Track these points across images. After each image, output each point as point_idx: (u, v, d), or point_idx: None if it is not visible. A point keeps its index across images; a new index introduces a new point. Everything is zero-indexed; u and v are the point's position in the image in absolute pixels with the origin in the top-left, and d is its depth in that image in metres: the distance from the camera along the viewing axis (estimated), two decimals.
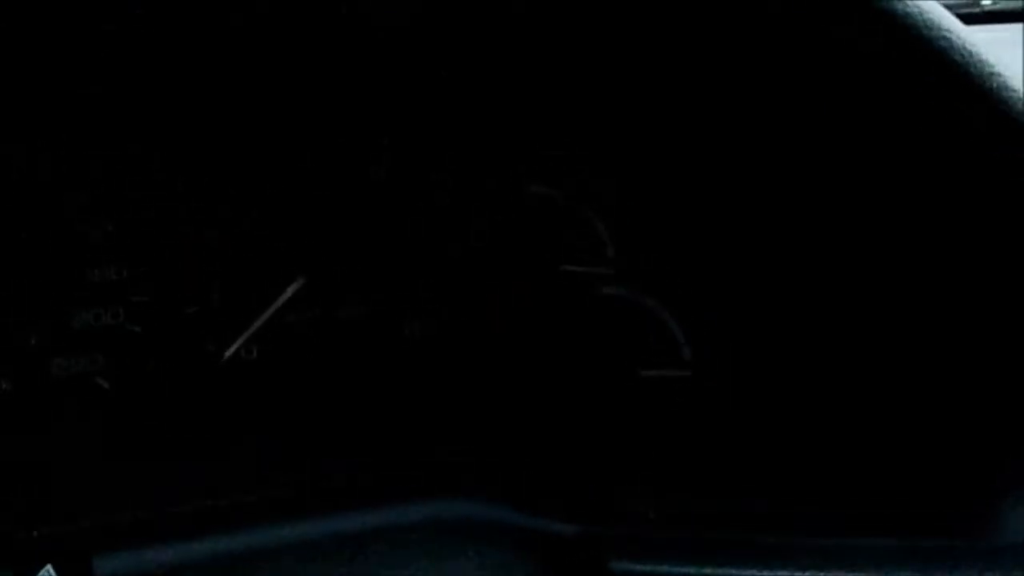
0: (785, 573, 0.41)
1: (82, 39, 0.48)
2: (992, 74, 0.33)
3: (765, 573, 0.41)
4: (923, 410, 0.44)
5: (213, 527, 0.45)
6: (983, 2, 1.08)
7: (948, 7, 0.36)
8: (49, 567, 0.38)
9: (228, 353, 0.54)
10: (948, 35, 0.32)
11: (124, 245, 0.54)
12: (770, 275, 0.52)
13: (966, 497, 0.42)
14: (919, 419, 0.44)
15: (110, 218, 0.54)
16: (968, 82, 0.32)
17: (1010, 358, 0.39)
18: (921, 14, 0.32)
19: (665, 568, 0.43)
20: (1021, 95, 0.34)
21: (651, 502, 0.49)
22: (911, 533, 0.42)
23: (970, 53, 0.33)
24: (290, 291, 0.56)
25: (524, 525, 0.49)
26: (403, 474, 0.51)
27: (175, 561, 0.42)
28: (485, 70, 0.55)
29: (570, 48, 0.51)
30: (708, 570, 0.42)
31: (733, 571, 0.42)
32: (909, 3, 0.32)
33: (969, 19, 0.36)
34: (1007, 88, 0.34)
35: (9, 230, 0.52)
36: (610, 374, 0.61)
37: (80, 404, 0.52)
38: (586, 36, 0.48)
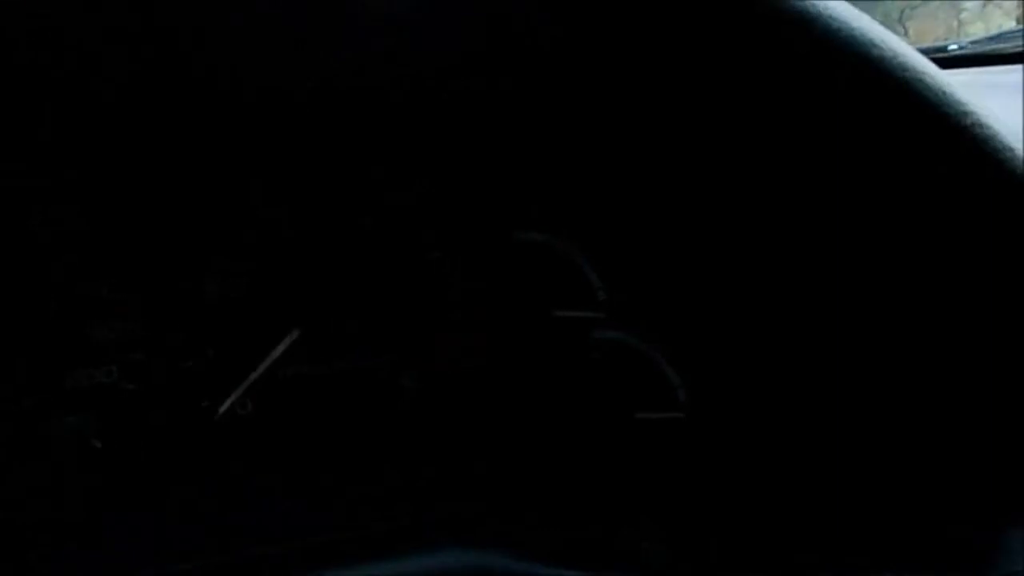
0: None
1: (71, 95, 0.48)
2: (967, 112, 0.35)
3: None
4: (923, 446, 0.44)
5: None
6: (950, 47, 1.12)
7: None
8: None
9: (223, 408, 0.54)
10: (924, 76, 0.33)
11: (118, 303, 0.54)
12: (766, 316, 0.53)
13: (966, 530, 0.42)
14: (919, 456, 0.45)
15: (104, 277, 0.54)
16: (946, 120, 0.33)
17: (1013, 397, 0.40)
18: (896, 57, 0.34)
19: None
20: (995, 132, 0.35)
21: (649, 542, 0.48)
22: (913, 569, 0.42)
23: (945, 92, 0.34)
24: (285, 344, 0.56)
25: (525, 572, 0.48)
26: (404, 525, 0.51)
27: None
28: (470, 119, 0.56)
29: (556, 93, 0.52)
30: None
31: None
32: (885, 48, 0.33)
33: (940, 64, 0.38)
34: (982, 125, 0.35)
35: (2, 290, 0.52)
36: (605, 418, 0.61)
37: (73, 464, 0.52)
38: (574, 82, 0.49)
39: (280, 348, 0.55)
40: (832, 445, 0.50)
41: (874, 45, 0.33)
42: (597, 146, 0.56)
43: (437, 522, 0.51)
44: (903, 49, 0.34)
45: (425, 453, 0.57)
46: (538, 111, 0.54)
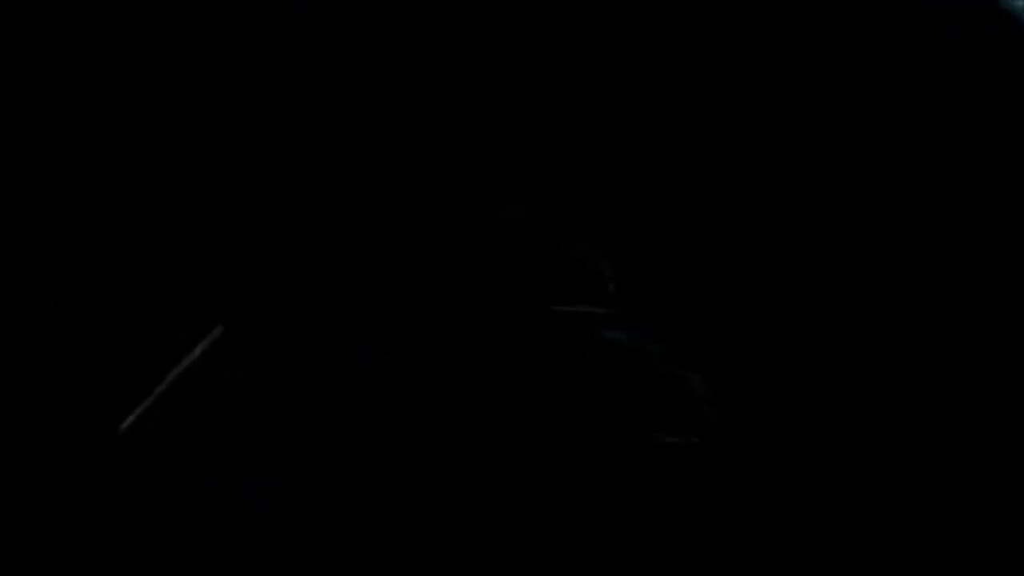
0: None
1: None
2: None
3: None
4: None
5: None
6: None
7: None
8: None
9: (126, 424, 0.47)
10: None
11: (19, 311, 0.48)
12: (815, 314, 0.48)
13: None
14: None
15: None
16: None
17: None
18: None
19: None
20: None
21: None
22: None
23: None
24: (205, 344, 0.48)
25: None
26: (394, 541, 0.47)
27: None
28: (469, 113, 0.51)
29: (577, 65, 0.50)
30: None
31: None
32: None
33: None
34: None
35: None
36: (616, 440, 0.52)
37: None
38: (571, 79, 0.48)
39: (199, 348, 0.48)
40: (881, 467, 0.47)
41: None
42: (623, 138, 0.51)
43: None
44: None
45: (414, 462, 0.50)
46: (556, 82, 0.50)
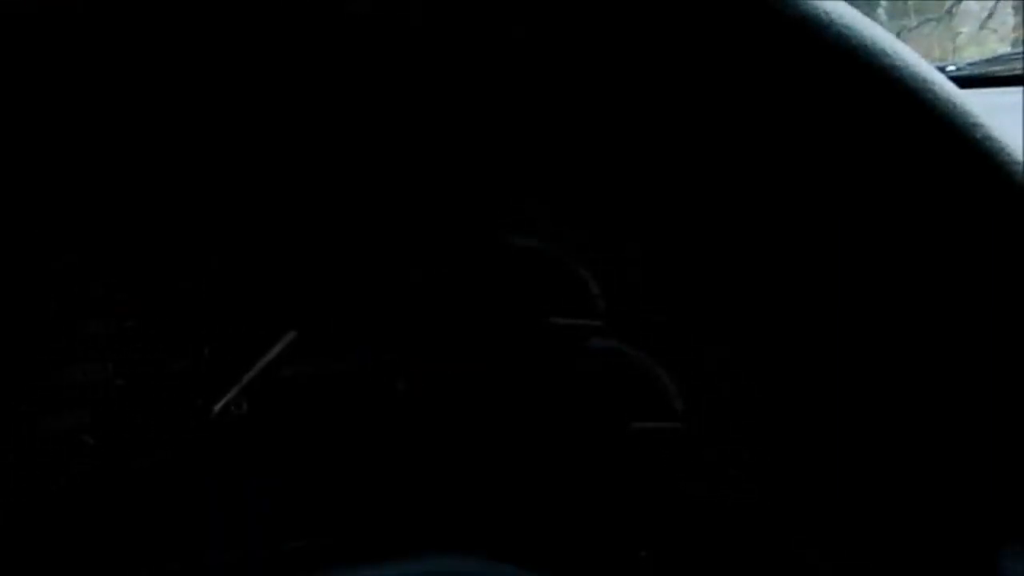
0: None
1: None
2: (976, 124, 0.35)
3: None
4: (922, 457, 0.44)
5: None
6: (948, 68, 1.13)
7: None
8: None
9: (217, 408, 0.54)
10: (935, 87, 0.33)
11: (112, 299, 0.53)
12: (764, 326, 0.53)
13: (970, 548, 0.42)
14: (921, 471, 0.44)
15: (98, 274, 0.53)
16: (956, 131, 0.33)
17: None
18: (908, 67, 0.34)
19: None
20: (1003, 145, 0.36)
21: (646, 550, 0.48)
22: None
23: (955, 104, 0.34)
24: (281, 345, 0.55)
25: None
26: (396, 531, 0.52)
27: None
28: (463, 120, 0.55)
29: (551, 95, 0.51)
30: None
31: None
32: (897, 57, 0.33)
33: None
34: (990, 138, 0.35)
35: None
36: (601, 427, 0.60)
37: (65, 461, 0.51)
38: (570, 84, 0.48)
39: (276, 349, 0.55)
40: (832, 456, 0.49)
41: (886, 54, 0.33)
42: (598, 150, 0.56)
43: (427, 528, 0.51)
44: (915, 59, 0.34)
45: (418, 459, 0.56)
46: (537, 110, 0.53)
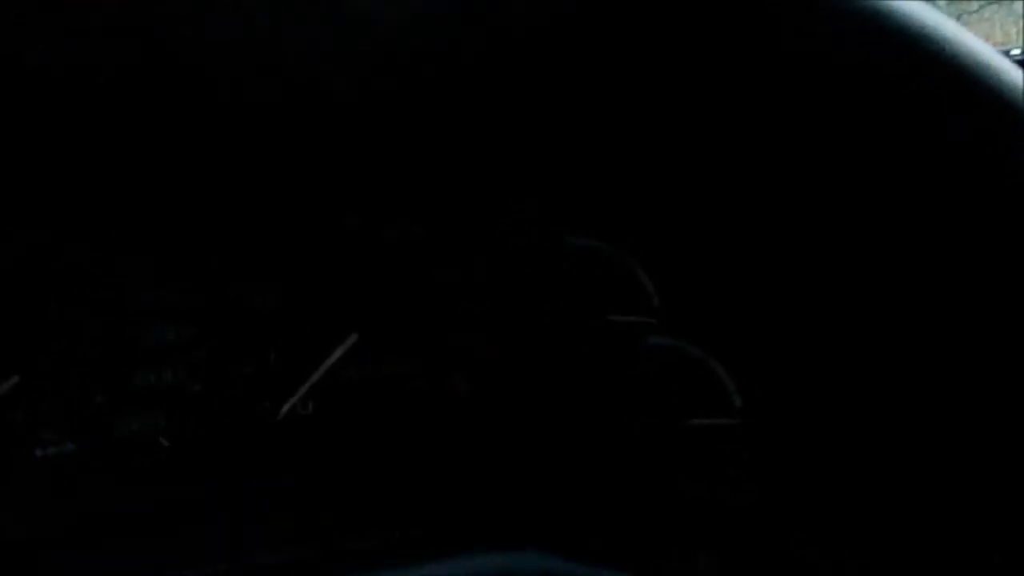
0: None
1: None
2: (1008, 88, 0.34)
3: None
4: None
5: None
6: (1012, 52, 1.10)
7: None
8: None
9: (284, 409, 0.56)
10: (998, 73, 0.33)
11: (182, 307, 0.55)
12: (821, 321, 0.52)
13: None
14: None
15: (168, 281, 0.55)
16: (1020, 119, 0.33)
17: None
18: (972, 54, 0.33)
19: None
20: None
21: (712, 556, 0.48)
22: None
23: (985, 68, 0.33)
24: (343, 348, 0.57)
25: (578, 574, 0.49)
26: (458, 527, 0.53)
27: None
28: (521, 123, 0.55)
29: (607, 97, 0.51)
30: None
31: None
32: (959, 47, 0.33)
33: None
34: None
35: (71, 294, 0.54)
36: (658, 424, 0.61)
37: (142, 462, 0.54)
38: (623, 83, 0.49)
39: (339, 352, 0.57)
40: (887, 451, 0.49)
41: (948, 40, 0.33)
42: (650, 149, 0.56)
43: (486, 525, 0.52)
44: (977, 44, 0.34)
45: (479, 457, 0.58)
46: (598, 112, 0.52)
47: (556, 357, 0.61)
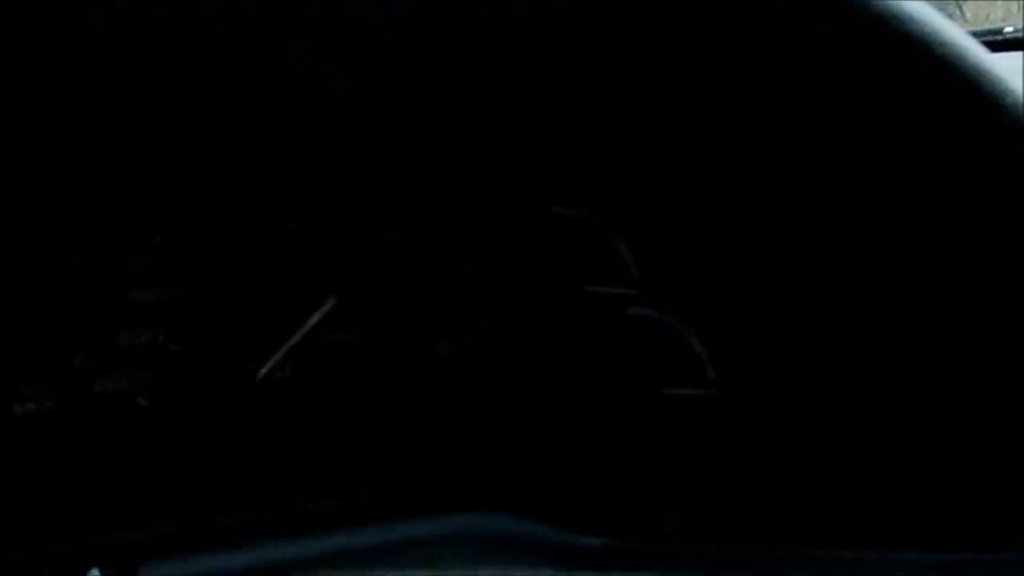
0: None
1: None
2: (1006, 91, 0.34)
3: None
4: (954, 422, 0.44)
5: (251, 539, 0.47)
6: (1006, 29, 1.09)
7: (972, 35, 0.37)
8: (95, 571, 0.40)
9: (263, 371, 0.56)
10: (964, 53, 0.33)
11: (165, 267, 0.56)
12: (797, 294, 0.53)
13: (999, 508, 0.42)
14: (949, 433, 0.44)
15: (152, 241, 0.56)
16: (981, 98, 0.33)
17: None
18: (939, 34, 0.33)
19: None
20: None
21: (674, 516, 0.49)
22: (940, 547, 0.42)
23: (982, 70, 0.34)
24: (323, 311, 0.57)
25: (549, 538, 0.50)
26: (432, 489, 0.53)
27: (220, 571, 0.44)
28: (506, 91, 0.55)
29: (591, 67, 0.51)
30: None
31: None
32: (927, 25, 0.33)
33: (994, 47, 0.37)
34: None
35: (53, 252, 0.54)
36: (634, 393, 0.61)
37: (120, 422, 0.54)
38: (608, 55, 0.49)
39: (318, 315, 0.57)
40: (864, 422, 0.49)
41: (911, 19, 0.33)
42: (632, 122, 0.56)
43: (463, 488, 0.53)
44: (942, 25, 0.34)
45: (455, 421, 0.58)
46: (580, 83, 0.53)
47: (536, 325, 0.62)
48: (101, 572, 0.40)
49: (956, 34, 0.36)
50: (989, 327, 0.41)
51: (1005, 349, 0.41)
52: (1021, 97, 0.34)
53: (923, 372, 0.45)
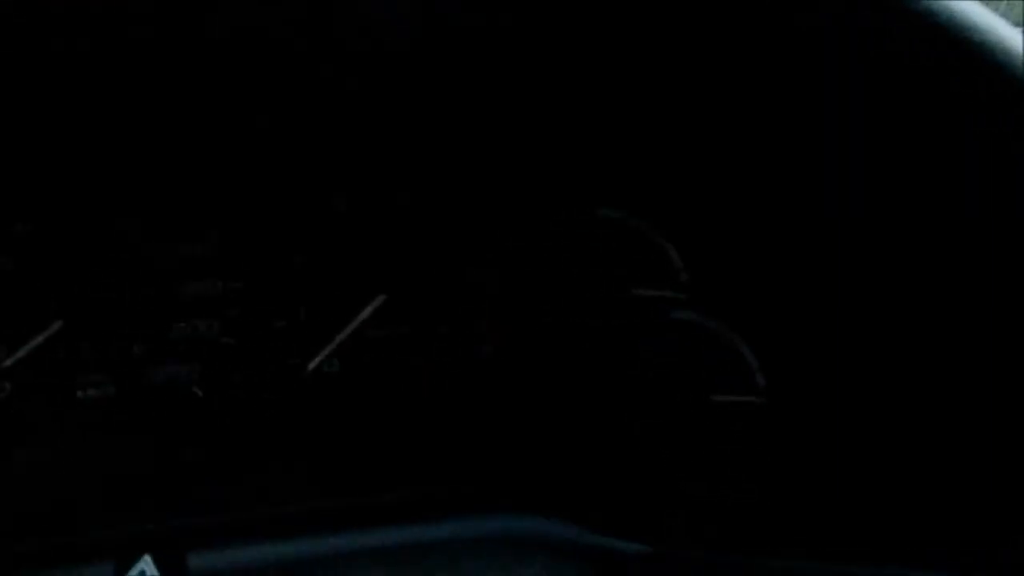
0: None
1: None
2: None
3: None
4: (990, 439, 0.43)
5: (295, 530, 0.47)
6: None
7: None
8: (148, 557, 0.41)
9: (312, 365, 0.57)
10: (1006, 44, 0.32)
11: (219, 262, 0.57)
12: (845, 302, 0.52)
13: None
14: (986, 449, 0.43)
15: (207, 237, 0.57)
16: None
17: None
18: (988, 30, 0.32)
19: None
20: None
21: (715, 525, 0.49)
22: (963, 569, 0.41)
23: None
24: (371, 308, 0.58)
25: (590, 543, 0.50)
26: (475, 488, 0.54)
27: (263, 560, 0.45)
28: (557, 94, 0.56)
29: (642, 72, 0.52)
30: None
31: None
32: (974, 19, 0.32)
33: None
34: None
35: (115, 249, 0.56)
36: (681, 399, 0.61)
37: (176, 410, 0.56)
38: (654, 62, 0.50)
39: (366, 311, 0.58)
40: (908, 431, 0.49)
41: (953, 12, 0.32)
42: (686, 128, 0.56)
43: (505, 488, 0.53)
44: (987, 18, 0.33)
45: (499, 422, 0.59)
46: (631, 88, 0.54)
47: (583, 326, 0.62)
48: (153, 559, 0.41)
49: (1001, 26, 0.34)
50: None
51: None
52: None
53: (974, 384, 0.44)
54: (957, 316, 0.43)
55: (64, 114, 0.50)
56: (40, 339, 0.53)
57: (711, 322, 0.61)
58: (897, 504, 0.48)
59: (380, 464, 0.53)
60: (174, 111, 0.51)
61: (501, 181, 0.61)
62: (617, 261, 0.62)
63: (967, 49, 0.34)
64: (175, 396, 0.56)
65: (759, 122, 0.49)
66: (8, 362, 0.53)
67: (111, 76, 0.46)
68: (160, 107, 0.51)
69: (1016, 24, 0.34)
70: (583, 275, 0.62)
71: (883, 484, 0.48)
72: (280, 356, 0.57)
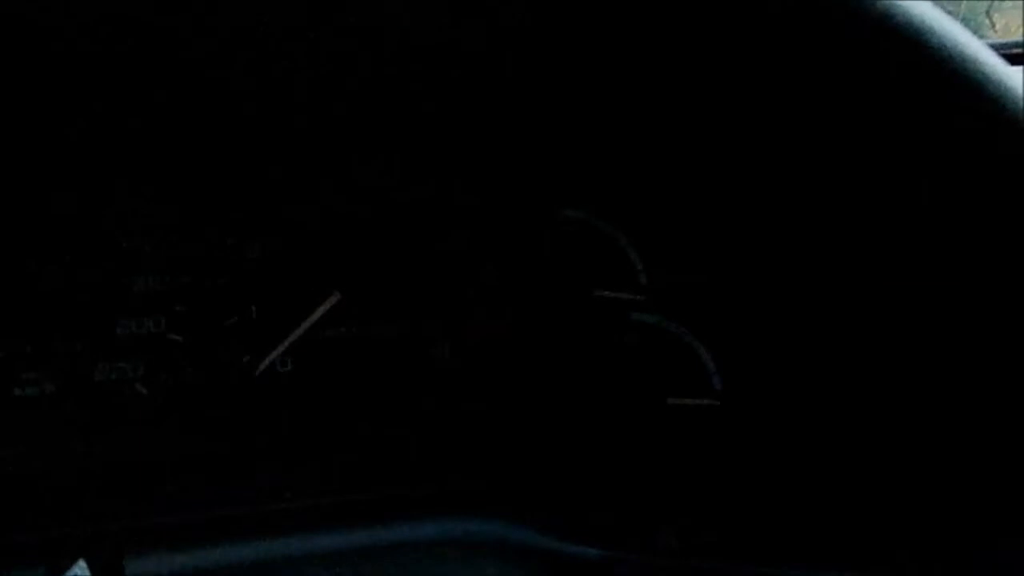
0: None
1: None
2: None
3: None
4: (948, 444, 0.44)
5: (239, 534, 0.46)
6: None
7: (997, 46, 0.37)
8: (82, 562, 0.39)
9: (263, 365, 0.56)
10: (984, 68, 0.32)
11: (167, 257, 0.56)
12: (804, 306, 0.52)
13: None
14: (945, 454, 0.44)
15: (154, 231, 0.56)
16: (1004, 113, 0.32)
17: None
18: (960, 48, 0.33)
19: None
20: None
21: (672, 530, 0.48)
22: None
23: (1006, 86, 0.33)
24: (325, 307, 0.57)
25: (546, 547, 0.49)
26: (428, 492, 0.53)
27: (201, 565, 0.43)
28: (518, 94, 0.56)
29: (603, 73, 0.51)
30: None
31: None
32: (947, 38, 0.32)
33: (1013, 60, 0.37)
34: None
35: (58, 241, 0.54)
36: (638, 401, 0.61)
37: (118, 408, 0.54)
38: (619, 62, 0.49)
39: (320, 310, 0.56)
40: (866, 436, 0.49)
41: (932, 32, 0.32)
42: (643, 129, 0.56)
43: (458, 492, 0.52)
44: (967, 38, 0.33)
45: (453, 423, 0.58)
46: (592, 88, 0.54)
47: (540, 328, 0.61)
48: (88, 564, 0.39)
49: (978, 48, 0.35)
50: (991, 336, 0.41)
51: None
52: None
53: (937, 387, 0.45)
54: (913, 320, 0.44)
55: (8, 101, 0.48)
56: None
57: (670, 324, 0.61)
58: (852, 507, 0.48)
59: (333, 466, 0.52)
60: (125, 96, 0.49)
61: (462, 180, 0.60)
62: (578, 262, 0.61)
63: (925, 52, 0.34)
64: (118, 395, 0.54)
65: (719, 124, 0.49)
66: None
67: (53, 57, 0.44)
68: (111, 90, 0.49)
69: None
70: (543, 275, 0.62)
71: (838, 488, 0.49)
72: (230, 354, 0.55)
